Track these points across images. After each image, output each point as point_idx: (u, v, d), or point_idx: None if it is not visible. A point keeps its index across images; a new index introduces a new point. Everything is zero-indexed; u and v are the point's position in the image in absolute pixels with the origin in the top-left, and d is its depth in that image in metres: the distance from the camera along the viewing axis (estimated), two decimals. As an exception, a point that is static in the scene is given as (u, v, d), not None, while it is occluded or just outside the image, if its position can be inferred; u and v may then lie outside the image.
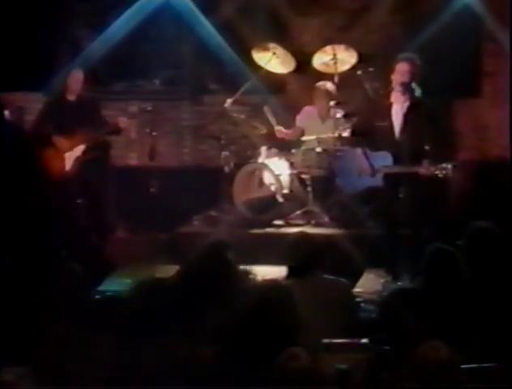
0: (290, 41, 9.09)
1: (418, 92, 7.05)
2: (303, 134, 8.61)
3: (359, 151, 7.26)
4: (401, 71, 6.93)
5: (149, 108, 7.64)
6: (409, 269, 6.59)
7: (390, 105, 7.01)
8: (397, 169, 6.87)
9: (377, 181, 7.07)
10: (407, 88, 6.93)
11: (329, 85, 8.52)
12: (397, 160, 6.88)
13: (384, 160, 7.00)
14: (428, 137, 6.87)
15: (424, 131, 6.87)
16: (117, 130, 7.99)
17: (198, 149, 9.69)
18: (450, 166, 6.63)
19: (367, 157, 7.13)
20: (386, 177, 6.98)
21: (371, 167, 7.07)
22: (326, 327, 4.30)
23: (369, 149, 7.13)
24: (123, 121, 7.91)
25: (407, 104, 6.96)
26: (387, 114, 6.98)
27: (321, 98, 8.52)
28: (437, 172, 6.63)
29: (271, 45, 8.66)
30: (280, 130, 8.61)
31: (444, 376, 3.23)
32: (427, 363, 3.25)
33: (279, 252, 5.06)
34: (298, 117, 8.69)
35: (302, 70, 8.91)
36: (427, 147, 6.79)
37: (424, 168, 6.66)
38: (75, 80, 7.89)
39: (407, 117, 6.92)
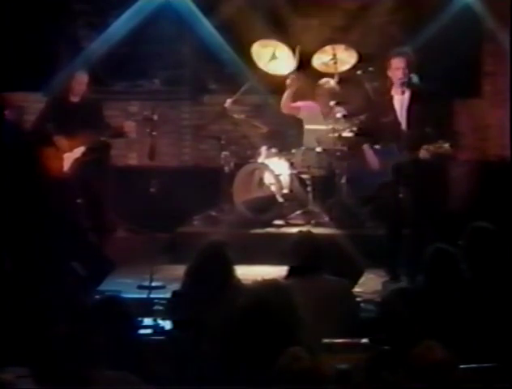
0: (290, 41, 9.08)
1: (415, 80, 7.02)
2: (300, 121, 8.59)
3: (366, 147, 7.20)
4: (397, 67, 6.91)
5: (155, 117, 7.61)
6: (409, 269, 6.59)
7: (391, 99, 6.99)
8: (400, 158, 6.81)
9: (387, 175, 7.01)
10: (405, 82, 6.92)
11: (332, 83, 8.52)
12: (404, 151, 6.83)
13: (393, 153, 6.95)
14: (428, 121, 6.82)
15: (426, 116, 6.83)
16: (121, 134, 7.97)
17: (198, 149, 9.69)
18: (447, 145, 6.58)
19: (375, 153, 7.07)
20: (393, 169, 6.93)
21: (380, 162, 7.02)
22: (327, 327, 4.30)
23: (379, 145, 7.06)
24: (129, 125, 7.89)
25: (407, 94, 6.94)
26: (390, 108, 6.95)
27: (323, 96, 8.51)
28: (436, 150, 6.57)
29: (273, 42, 8.64)
30: (296, 77, 8.47)
31: (444, 376, 3.23)
32: (427, 363, 3.25)
33: (282, 251, 5.05)
34: (301, 104, 8.63)
35: (302, 70, 8.90)
36: (428, 130, 6.75)
37: (425, 150, 6.61)
38: (79, 82, 7.88)
39: (410, 107, 6.90)
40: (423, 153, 6.60)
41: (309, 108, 8.65)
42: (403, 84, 6.90)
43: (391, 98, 6.98)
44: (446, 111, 7.35)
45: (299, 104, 8.64)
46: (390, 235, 7.08)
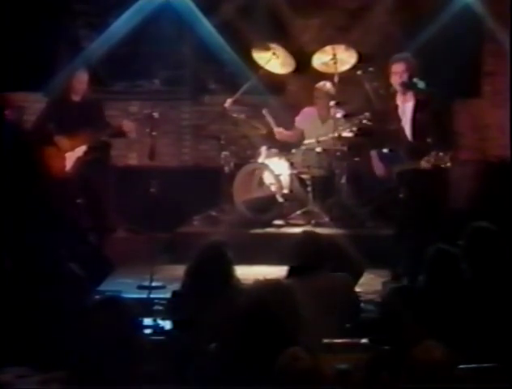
0: (290, 41, 9.09)
1: (422, 85, 7.02)
2: (303, 135, 8.63)
3: (373, 153, 7.22)
4: (398, 72, 6.95)
5: (155, 115, 7.59)
6: (410, 269, 6.59)
7: (396, 107, 7.01)
8: (404, 166, 6.82)
9: (389, 180, 7.03)
10: (407, 87, 6.93)
11: (329, 85, 8.53)
12: (406, 159, 6.84)
13: (399, 159, 6.95)
14: (432, 130, 6.83)
15: (430, 124, 6.83)
16: (120, 134, 7.97)
17: (198, 149, 9.69)
18: (447, 157, 6.58)
19: (382, 159, 7.08)
20: (396, 175, 6.92)
21: (386, 169, 7.02)
22: (329, 324, 4.31)
23: (385, 149, 7.07)
24: (127, 125, 7.87)
25: (412, 102, 6.95)
26: (395, 117, 6.97)
27: (321, 98, 8.53)
28: (436, 162, 6.57)
29: (272, 45, 8.66)
30: (280, 132, 8.63)
31: (443, 376, 3.22)
32: (427, 363, 3.25)
33: (285, 250, 5.05)
34: (297, 119, 8.70)
35: (302, 70, 8.91)
36: (429, 140, 6.76)
37: (425, 161, 6.62)
38: (80, 81, 7.88)
39: (415, 116, 6.91)
40: (423, 165, 6.61)
41: (305, 116, 8.67)
42: (402, 86, 6.92)
43: (396, 107, 7.00)
44: (450, 116, 7.32)
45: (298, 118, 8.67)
46: (392, 235, 7.07)
